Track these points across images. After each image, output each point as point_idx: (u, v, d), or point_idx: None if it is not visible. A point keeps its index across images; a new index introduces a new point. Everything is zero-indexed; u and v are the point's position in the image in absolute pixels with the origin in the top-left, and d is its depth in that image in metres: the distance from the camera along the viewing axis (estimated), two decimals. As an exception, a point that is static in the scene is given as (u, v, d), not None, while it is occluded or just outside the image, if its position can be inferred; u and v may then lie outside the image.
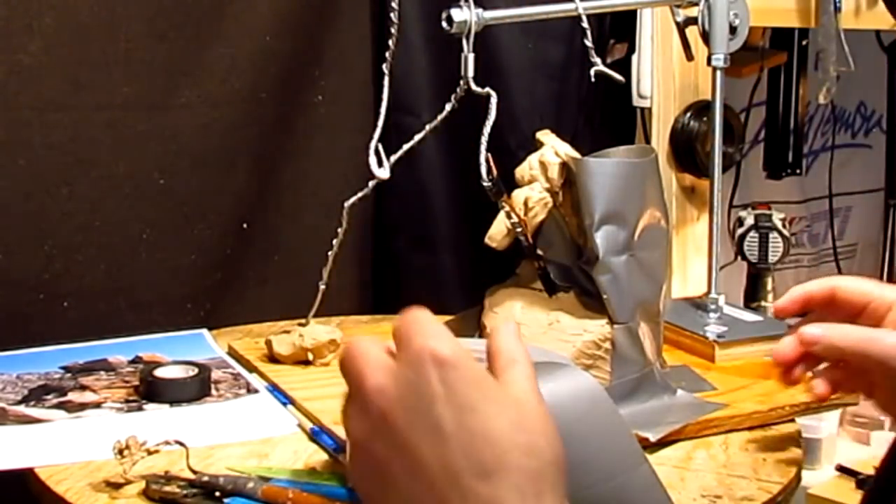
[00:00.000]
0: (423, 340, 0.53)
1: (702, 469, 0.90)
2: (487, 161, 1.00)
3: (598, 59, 1.08)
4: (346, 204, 1.11)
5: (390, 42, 1.08)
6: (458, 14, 1.00)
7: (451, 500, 0.51)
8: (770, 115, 1.80)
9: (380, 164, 1.05)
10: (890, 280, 1.85)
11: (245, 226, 1.39)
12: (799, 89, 1.75)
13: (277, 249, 1.43)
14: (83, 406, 1.01)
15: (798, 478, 0.92)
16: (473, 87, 1.01)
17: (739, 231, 1.49)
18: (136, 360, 1.14)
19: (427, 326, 0.54)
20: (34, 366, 1.11)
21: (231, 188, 1.37)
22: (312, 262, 1.18)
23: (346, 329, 1.20)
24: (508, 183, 1.09)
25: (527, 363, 0.56)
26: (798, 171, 1.81)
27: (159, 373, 1.05)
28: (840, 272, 1.95)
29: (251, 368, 1.12)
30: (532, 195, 1.10)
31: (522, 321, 1.07)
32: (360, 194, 1.10)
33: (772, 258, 1.47)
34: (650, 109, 1.45)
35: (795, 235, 1.91)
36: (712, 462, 0.92)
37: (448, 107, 1.04)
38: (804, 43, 1.71)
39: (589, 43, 1.06)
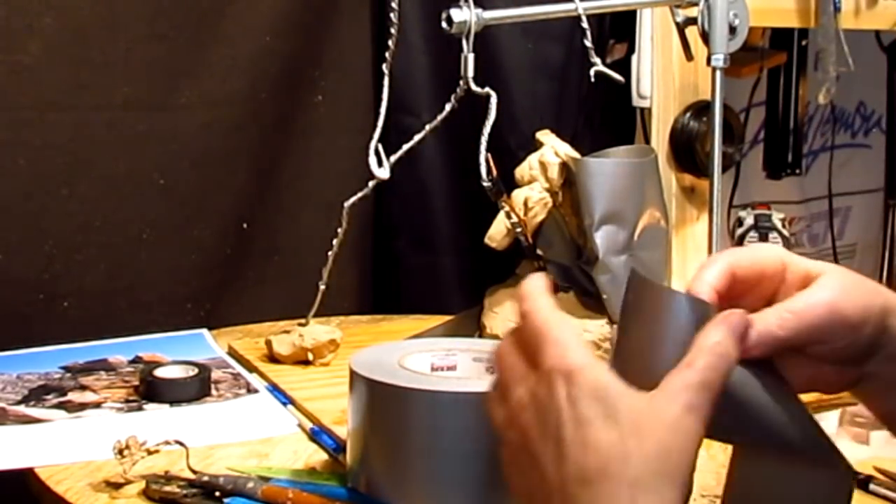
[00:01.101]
0: (555, 356, 0.59)
1: (702, 469, 0.90)
2: (487, 161, 1.00)
3: (598, 59, 1.08)
4: (346, 204, 1.11)
5: (390, 42, 1.08)
6: (458, 14, 1.00)
7: (555, 502, 0.57)
8: (770, 115, 1.80)
9: (380, 164, 1.06)
10: (889, 280, 1.85)
11: (245, 226, 1.39)
12: (799, 89, 1.75)
13: (277, 249, 1.43)
14: (83, 406, 1.01)
15: (798, 478, 0.92)
16: (473, 87, 1.01)
17: (739, 231, 1.49)
18: (136, 360, 1.14)
19: (557, 335, 0.60)
20: (34, 366, 1.11)
21: (231, 188, 1.37)
22: (312, 262, 1.18)
23: (346, 329, 1.20)
24: (508, 183, 1.09)
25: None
26: (798, 171, 1.81)
27: (159, 373, 1.05)
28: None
29: (251, 368, 1.12)
30: (532, 195, 1.10)
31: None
32: (360, 194, 1.10)
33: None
34: (650, 109, 1.45)
35: (795, 235, 1.90)
36: (712, 462, 0.92)
37: (448, 107, 1.04)
38: (804, 43, 1.71)
39: (589, 43, 1.06)
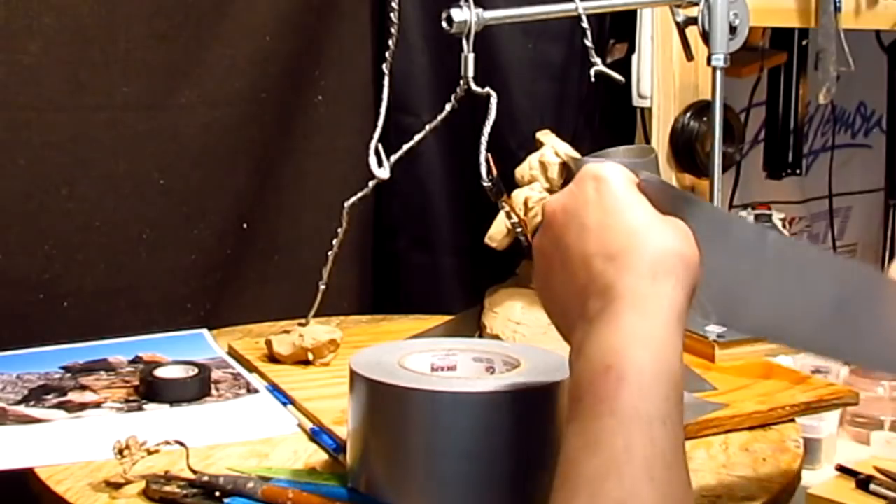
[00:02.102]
0: (591, 166, 0.67)
1: (702, 469, 0.90)
2: (487, 161, 1.00)
3: (598, 59, 1.08)
4: (346, 204, 1.11)
5: (390, 42, 1.08)
6: (458, 14, 1.00)
7: (582, 280, 0.64)
8: (770, 115, 1.80)
9: (380, 164, 1.05)
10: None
11: (245, 226, 1.39)
12: (799, 89, 1.75)
13: (277, 249, 1.44)
14: (83, 406, 1.01)
15: (798, 478, 0.92)
16: (473, 87, 1.01)
17: (739, 231, 1.49)
18: (136, 360, 1.14)
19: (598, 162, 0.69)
20: (34, 366, 1.11)
21: (231, 188, 1.37)
22: (312, 262, 1.18)
23: (346, 329, 1.20)
24: (508, 183, 1.09)
25: None
26: (798, 171, 1.81)
27: (159, 373, 1.05)
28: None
29: (251, 368, 1.12)
30: (532, 195, 1.10)
31: (522, 321, 1.07)
32: (360, 194, 1.10)
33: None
34: (650, 109, 1.46)
35: (795, 235, 1.90)
36: (712, 462, 0.92)
37: (448, 107, 1.04)
38: (804, 43, 1.71)
39: (589, 43, 1.06)
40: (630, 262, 0.62)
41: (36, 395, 1.03)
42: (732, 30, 1.21)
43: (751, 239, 0.72)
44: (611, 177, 0.66)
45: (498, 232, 1.13)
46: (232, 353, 1.17)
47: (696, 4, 1.21)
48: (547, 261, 0.68)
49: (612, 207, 0.65)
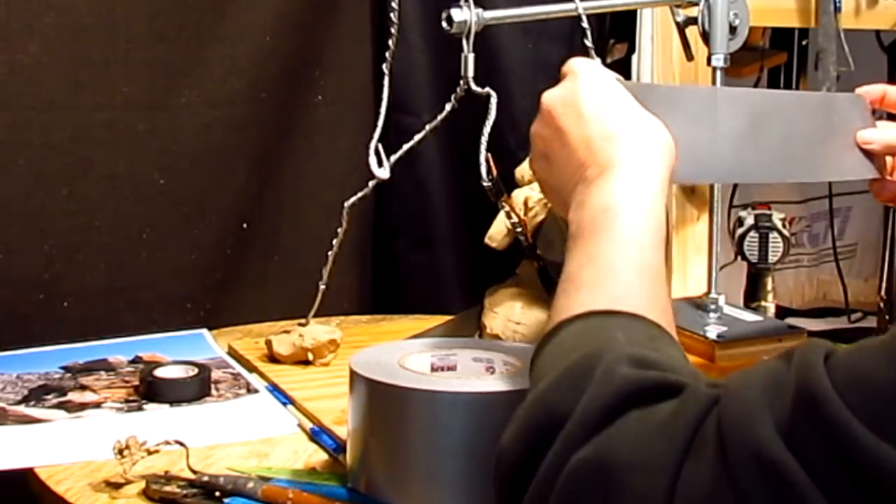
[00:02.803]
0: (579, 62, 0.80)
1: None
2: (487, 161, 1.00)
3: (598, 59, 1.08)
4: (346, 204, 1.11)
5: (390, 42, 1.08)
6: (458, 14, 1.00)
7: (583, 157, 0.73)
8: (770, 115, 1.79)
9: (380, 164, 1.05)
10: (889, 280, 1.85)
11: (245, 226, 1.39)
12: (799, 89, 1.75)
13: (277, 249, 1.43)
14: (83, 406, 1.01)
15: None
16: (473, 87, 1.01)
17: (739, 231, 1.49)
18: (136, 360, 1.14)
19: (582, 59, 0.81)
20: (34, 366, 1.11)
21: (231, 188, 1.37)
22: (312, 262, 1.18)
23: (346, 329, 1.20)
24: (508, 183, 1.09)
25: None
26: (798, 170, 1.81)
27: (159, 373, 1.05)
28: (840, 272, 1.95)
29: (251, 368, 1.12)
30: (532, 195, 1.10)
31: (522, 321, 1.07)
32: (360, 194, 1.10)
33: (772, 258, 1.47)
34: (650, 109, 1.45)
35: (795, 235, 1.90)
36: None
37: (448, 107, 1.03)
38: (804, 43, 1.71)
39: (589, 43, 1.06)
40: (625, 140, 0.73)
41: (36, 395, 1.03)
42: (732, 30, 1.21)
43: (704, 101, 0.86)
44: (599, 72, 0.79)
45: (498, 232, 1.13)
46: (232, 353, 1.17)
47: (696, 4, 1.21)
48: (545, 144, 0.78)
49: (604, 98, 0.76)
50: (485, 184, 1.01)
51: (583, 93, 0.77)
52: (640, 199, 0.70)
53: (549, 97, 0.79)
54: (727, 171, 0.89)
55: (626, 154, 0.72)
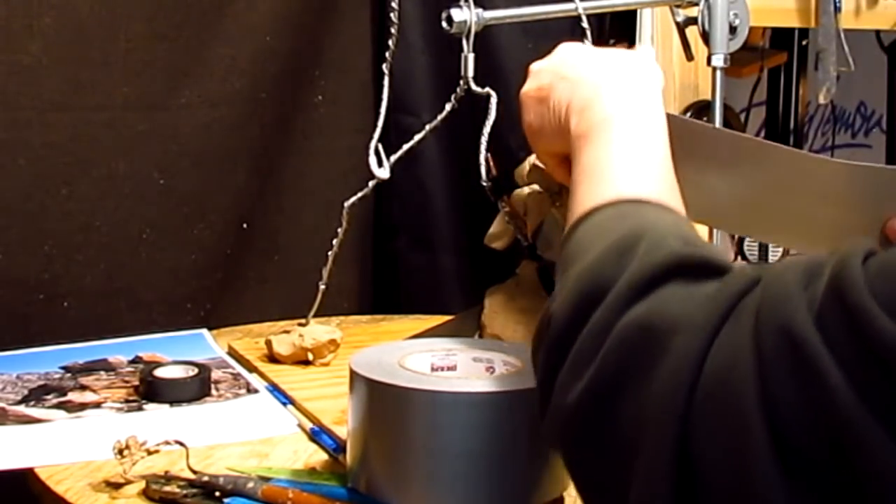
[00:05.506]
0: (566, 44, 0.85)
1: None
2: (487, 161, 1.00)
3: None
4: (346, 204, 1.11)
5: (390, 42, 1.08)
6: (458, 14, 0.99)
7: (574, 94, 0.78)
8: (770, 115, 1.80)
9: (380, 164, 1.05)
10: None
11: (245, 226, 1.39)
12: (799, 89, 1.75)
13: (277, 249, 1.43)
14: (83, 406, 1.01)
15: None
16: (473, 87, 1.01)
17: (739, 231, 1.49)
18: (136, 360, 1.14)
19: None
20: (34, 366, 1.11)
21: (231, 188, 1.37)
22: (312, 262, 1.18)
23: (346, 329, 1.20)
24: (508, 183, 1.09)
25: None
26: (798, 171, 1.81)
27: (159, 373, 1.05)
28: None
29: (251, 368, 1.12)
30: (532, 195, 1.10)
31: (522, 321, 1.07)
32: (360, 194, 1.10)
33: (772, 258, 1.47)
34: (650, 109, 1.45)
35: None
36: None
37: (448, 107, 1.03)
38: (804, 43, 1.71)
39: (589, 43, 1.06)
40: (611, 71, 0.77)
41: (36, 395, 1.03)
42: (732, 30, 1.21)
43: (733, 148, 0.84)
44: (588, 46, 0.88)
45: (498, 232, 1.13)
46: (232, 353, 1.17)
47: (696, 4, 1.21)
48: (536, 92, 0.84)
49: (585, 59, 0.81)
50: (485, 184, 1.01)
51: (566, 58, 0.82)
52: (639, 106, 0.75)
53: (535, 64, 0.85)
54: (737, 225, 0.87)
55: (614, 78, 0.77)
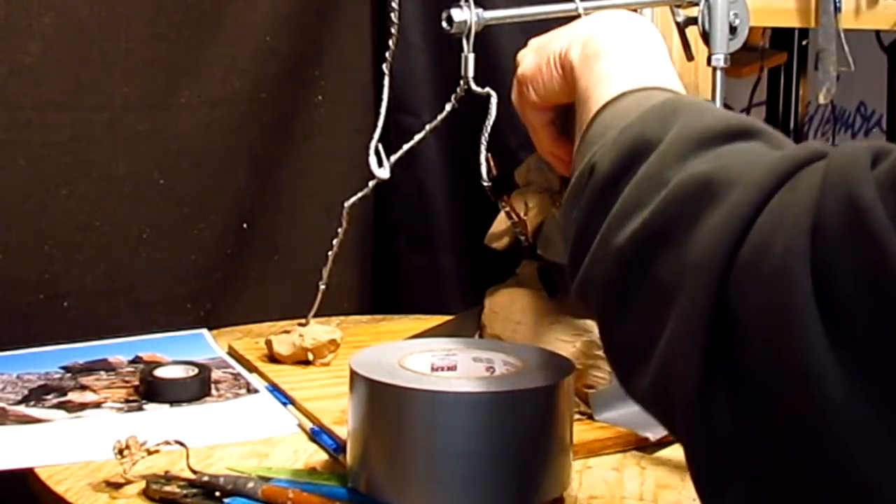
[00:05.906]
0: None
1: (702, 469, 0.90)
2: (487, 161, 1.00)
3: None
4: (346, 204, 1.11)
5: (390, 42, 1.08)
6: (458, 14, 0.99)
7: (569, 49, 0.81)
8: (770, 115, 1.80)
9: (380, 164, 1.05)
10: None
11: (245, 226, 1.39)
12: (799, 89, 1.75)
13: (277, 249, 1.43)
14: (83, 406, 1.01)
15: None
16: (473, 87, 1.01)
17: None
18: (136, 360, 1.14)
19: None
20: (34, 366, 1.11)
21: (231, 188, 1.37)
22: (312, 262, 1.18)
23: (346, 329, 1.20)
24: (509, 183, 1.09)
25: None
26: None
27: (159, 373, 1.05)
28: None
29: (251, 368, 1.12)
30: (532, 195, 1.10)
31: (522, 321, 1.07)
32: (360, 194, 1.10)
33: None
34: (650, 109, 1.45)
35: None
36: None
37: (448, 107, 1.03)
38: (804, 43, 1.71)
39: (589, 43, 1.06)
40: (612, 27, 0.78)
41: (36, 395, 1.03)
42: (732, 30, 1.21)
43: None
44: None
45: (498, 232, 1.13)
46: (232, 353, 1.17)
47: (696, 4, 1.21)
48: (530, 51, 0.87)
49: (580, 21, 0.84)
50: (485, 184, 1.01)
51: (553, 37, 0.85)
52: (643, 38, 0.77)
53: (534, 40, 0.89)
54: None
55: (614, 21, 0.79)
